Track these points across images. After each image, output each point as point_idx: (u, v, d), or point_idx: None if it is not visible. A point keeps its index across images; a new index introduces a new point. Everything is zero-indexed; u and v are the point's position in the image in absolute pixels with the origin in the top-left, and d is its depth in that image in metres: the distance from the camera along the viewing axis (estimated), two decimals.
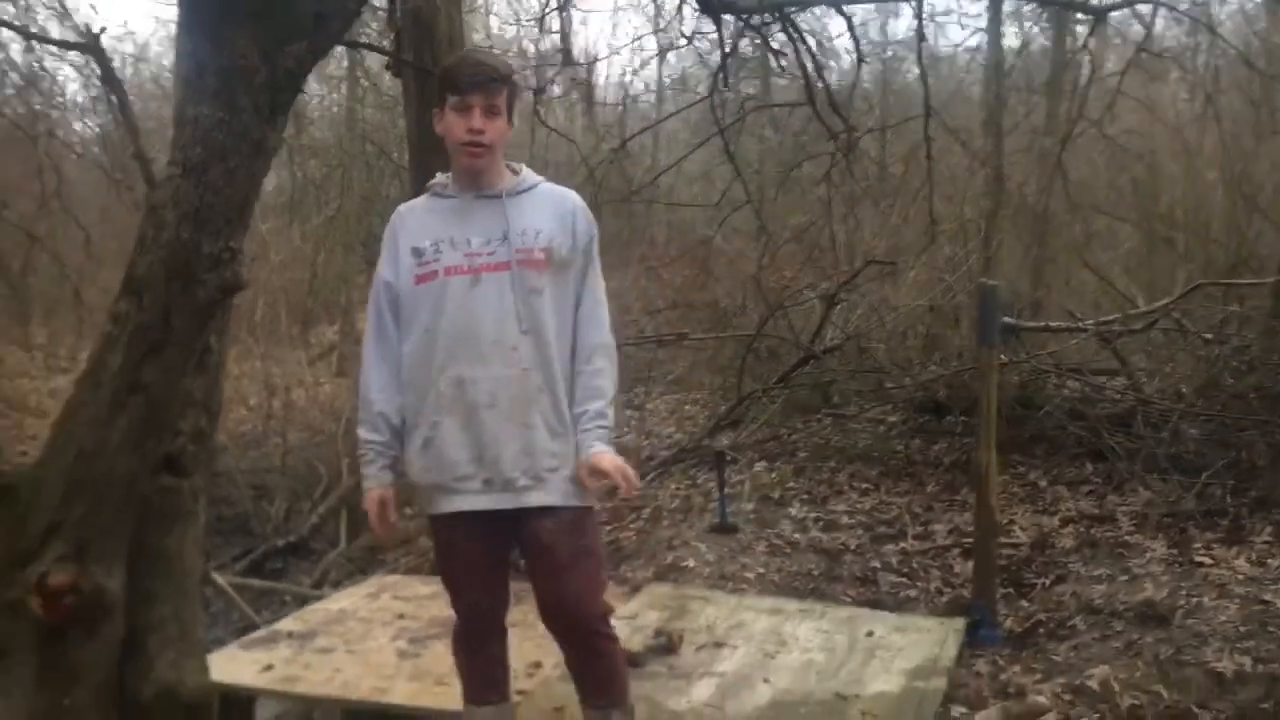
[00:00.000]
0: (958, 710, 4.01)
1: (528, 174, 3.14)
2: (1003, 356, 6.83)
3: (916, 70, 9.08)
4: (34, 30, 10.47)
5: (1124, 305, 8.12)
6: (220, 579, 8.84)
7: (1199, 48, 7.10)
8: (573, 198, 3.15)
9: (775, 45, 6.44)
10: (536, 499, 2.96)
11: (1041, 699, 4.03)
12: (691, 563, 5.66)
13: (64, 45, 9.01)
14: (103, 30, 4.06)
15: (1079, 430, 6.71)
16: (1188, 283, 7.11)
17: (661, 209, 11.54)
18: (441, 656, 4.56)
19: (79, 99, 12.16)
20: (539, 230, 3.00)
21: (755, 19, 5.59)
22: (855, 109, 8.65)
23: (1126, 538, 5.70)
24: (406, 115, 7.40)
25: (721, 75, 5.93)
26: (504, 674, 3.33)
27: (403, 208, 3.19)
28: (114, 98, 6.30)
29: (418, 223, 3.08)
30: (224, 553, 10.31)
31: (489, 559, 3.11)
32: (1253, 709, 3.91)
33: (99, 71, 5.78)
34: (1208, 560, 5.24)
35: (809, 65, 5.99)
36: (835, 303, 7.95)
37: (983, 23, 10.20)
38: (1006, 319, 7.31)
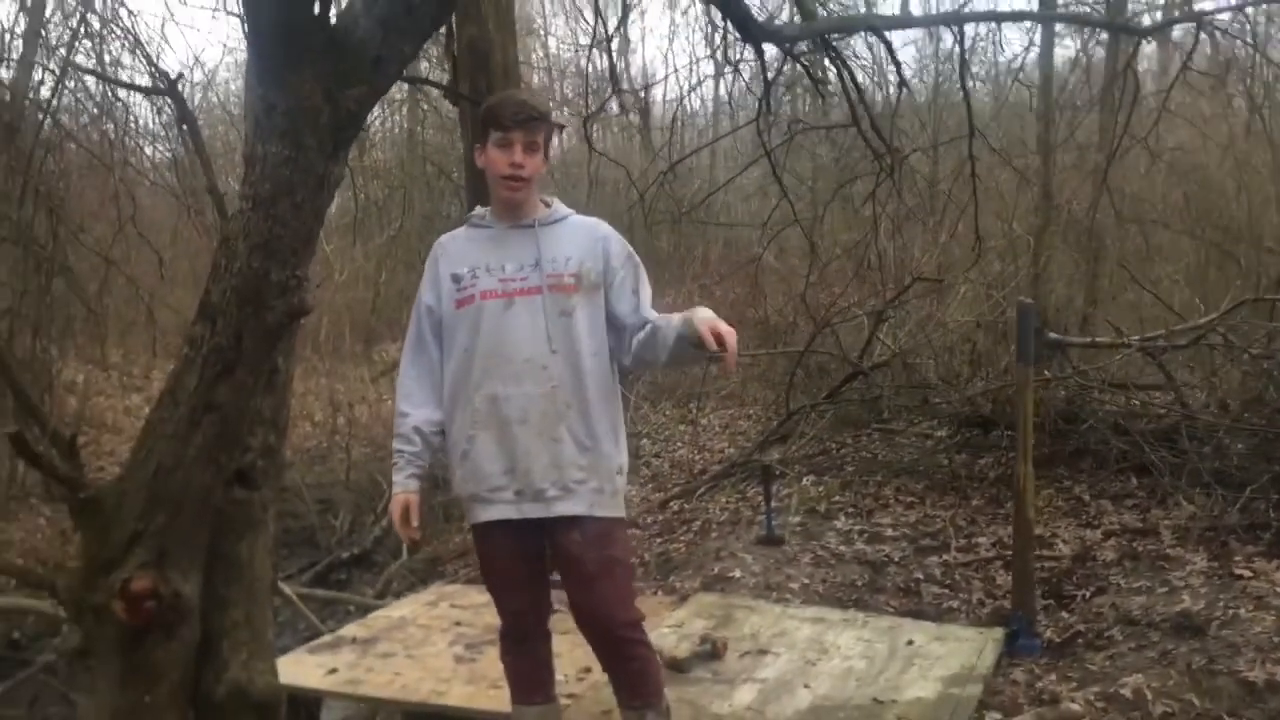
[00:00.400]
0: (992, 717, 4.14)
1: (559, 206, 3.36)
2: (1046, 372, 6.97)
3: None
4: (109, 62, 10.98)
5: (1174, 321, 8.14)
6: (287, 589, 9.16)
7: (1252, 64, 7.12)
8: (603, 227, 3.35)
9: (818, 71, 6.60)
10: (565, 509, 3.15)
11: (1075, 706, 4.14)
12: (738, 573, 5.82)
13: (144, 91, 9.51)
14: (180, 76, 4.35)
15: (1123, 445, 6.77)
16: (1236, 298, 7.12)
17: (716, 227, 11.73)
18: (496, 661, 4.71)
19: (150, 124, 12.59)
20: (569, 257, 3.21)
21: (798, 46, 5.77)
22: (904, 129, 8.80)
23: (1168, 551, 5.77)
24: (464, 141, 7.67)
25: (765, 102, 6.10)
26: (549, 676, 3.52)
27: (444, 238, 3.41)
28: (189, 137, 6.66)
29: (458, 251, 3.30)
30: (291, 564, 10.66)
31: (524, 566, 3.30)
32: None
33: (175, 112, 6.12)
34: (1247, 573, 5.29)
35: (852, 89, 6.14)
36: (883, 319, 8.08)
37: (1037, 36, 10.24)
38: (1052, 334, 7.44)
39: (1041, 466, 7.11)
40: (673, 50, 19.72)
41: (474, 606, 5.57)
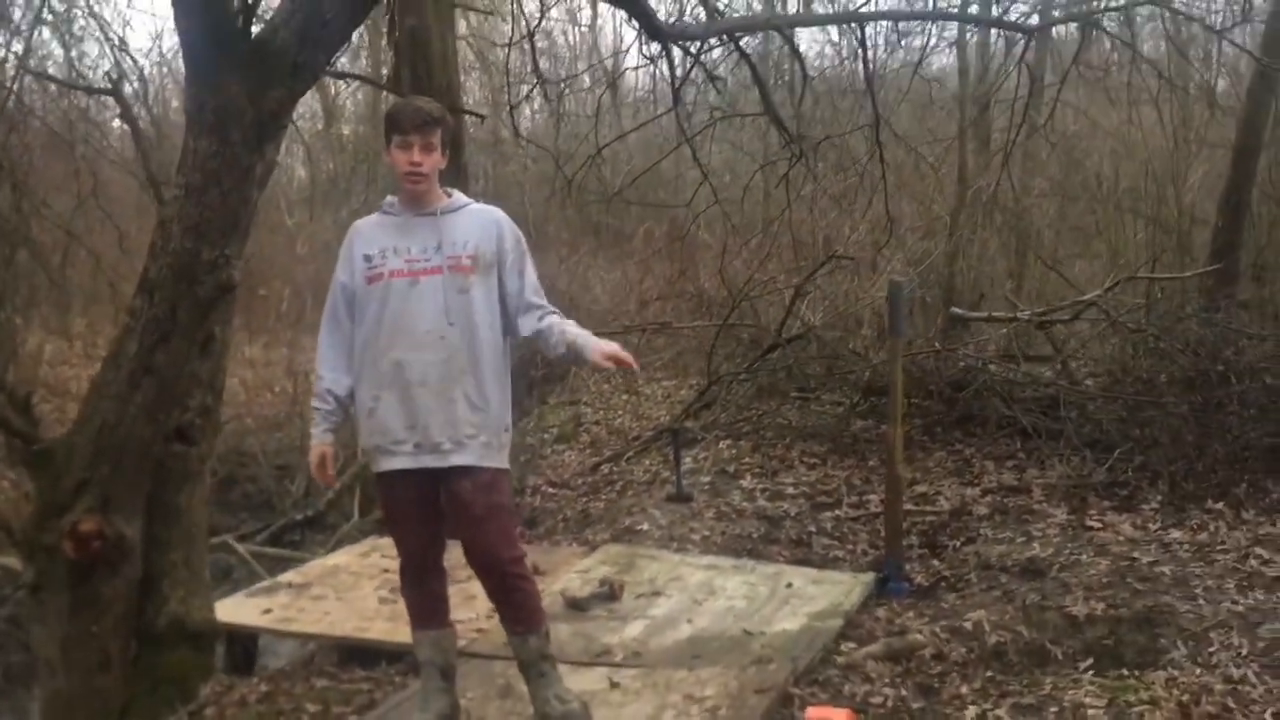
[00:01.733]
0: (848, 646, 4.68)
1: (459, 197, 3.76)
2: (936, 344, 7.55)
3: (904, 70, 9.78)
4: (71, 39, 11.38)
5: (1075, 295, 8.72)
6: (241, 548, 9.65)
7: (1131, 58, 7.67)
8: (497, 214, 3.76)
9: (722, 68, 7.09)
10: (457, 460, 3.56)
11: (920, 637, 4.69)
12: (646, 526, 6.37)
13: (91, 91, 10.16)
14: (120, 77, 4.80)
15: (1009, 412, 7.36)
16: (1118, 275, 7.72)
17: (657, 207, 12.25)
18: None
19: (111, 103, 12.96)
20: (467, 241, 3.61)
21: (701, 45, 6.25)
22: (822, 118, 9.32)
23: (1035, 506, 6.37)
24: None
25: (676, 95, 6.59)
26: (443, 606, 3.98)
27: (359, 222, 3.80)
28: (131, 133, 7.14)
29: (370, 234, 3.69)
30: (248, 525, 11.16)
31: (420, 511, 3.74)
32: (1097, 645, 4.59)
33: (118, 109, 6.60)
34: (1098, 525, 5.90)
35: (763, 80, 6.64)
36: (801, 295, 8.61)
37: (946, 31, 10.70)
38: (955, 310, 8.02)
39: (936, 430, 7.73)
40: (597, 41, 20.01)
41: None
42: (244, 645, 5.29)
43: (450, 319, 3.56)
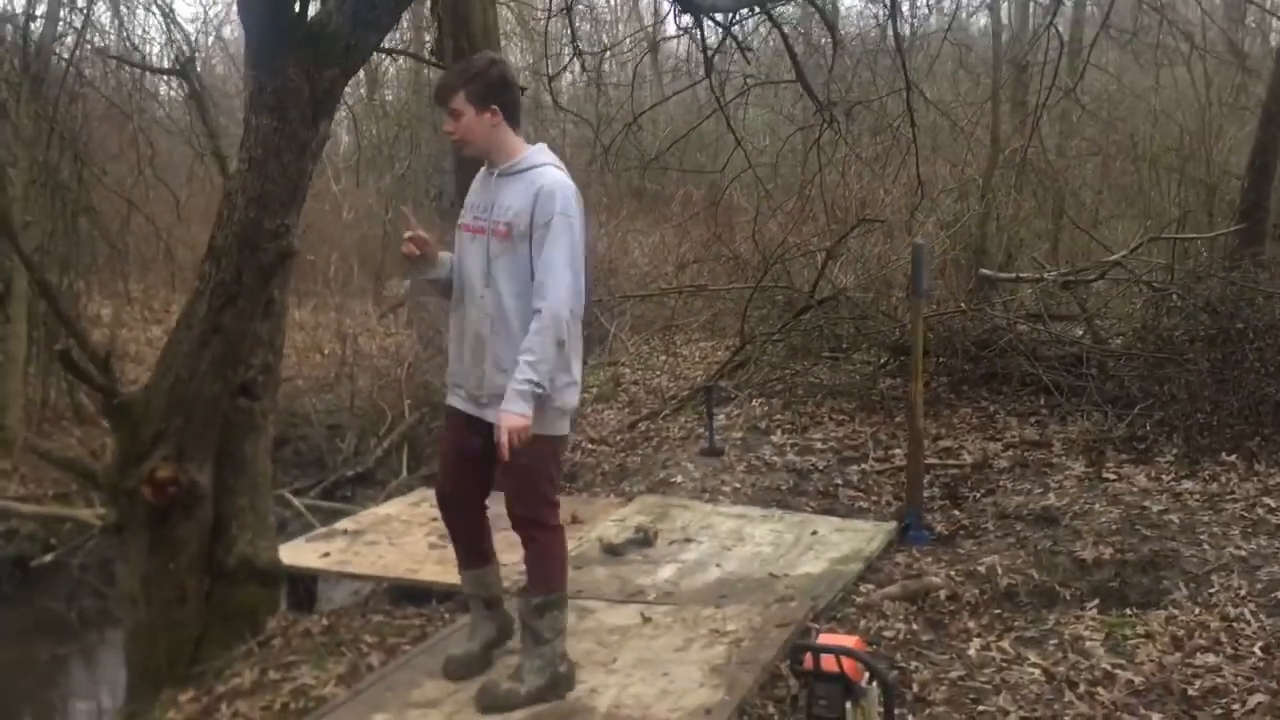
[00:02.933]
0: (866, 588, 4.98)
1: (528, 157, 3.75)
2: (962, 305, 7.77)
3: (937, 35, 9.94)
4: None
5: (1103, 255, 8.89)
6: (296, 501, 10.13)
7: (1160, 21, 7.78)
8: (544, 181, 3.65)
9: (751, 41, 7.29)
10: (490, 415, 3.67)
11: (936, 579, 4.99)
12: (680, 479, 6.69)
13: (161, 72, 10.42)
14: (191, 58, 5.12)
15: (1033, 370, 7.58)
16: (1146, 234, 7.88)
17: (697, 173, 12.47)
18: None
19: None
20: (509, 206, 3.65)
21: (731, 16, 6.47)
22: (853, 81, 9.48)
23: (1054, 460, 6.62)
24: None
25: (709, 64, 6.83)
26: (476, 548, 4.14)
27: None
28: (200, 112, 7.49)
29: (474, 185, 3.89)
30: (301, 481, 11.63)
31: (455, 448, 3.99)
32: (1103, 587, 4.86)
33: (186, 90, 6.93)
34: (1113, 477, 6.15)
35: (794, 49, 6.86)
36: (833, 257, 8.85)
37: None
38: (984, 271, 8.23)
39: (962, 388, 7.98)
40: (637, 6, 20.09)
41: None
42: (305, 585, 5.69)
43: (486, 281, 3.71)
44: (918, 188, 8.59)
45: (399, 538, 5.90)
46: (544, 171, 3.72)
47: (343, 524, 6.24)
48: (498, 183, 3.74)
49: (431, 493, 7.00)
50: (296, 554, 5.63)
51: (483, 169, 3.85)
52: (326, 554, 5.65)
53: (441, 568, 5.39)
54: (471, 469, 3.95)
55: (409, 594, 5.34)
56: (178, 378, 4.53)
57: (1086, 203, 10.78)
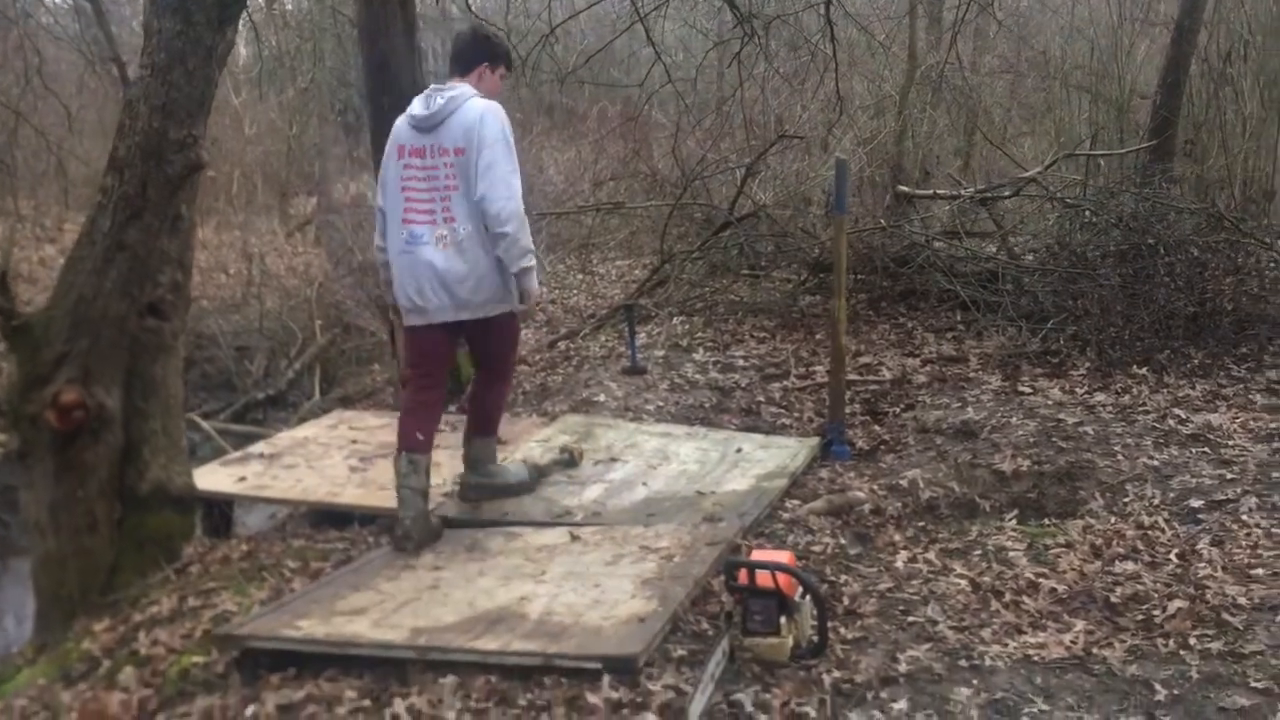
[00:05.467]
0: (792, 503, 5.00)
1: None
2: (881, 221, 7.79)
3: None
4: None
5: (1018, 173, 8.97)
6: (206, 424, 9.87)
7: None
8: None
9: None
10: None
11: (860, 494, 5.03)
12: (603, 398, 6.64)
13: None
14: None
15: (950, 286, 7.66)
16: (1060, 151, 7.95)
17: (612, 88, 12.27)
18: (385, 470, 5.57)
19: None
20: None
21: None
22: None
23: (971, 374, 6.71)
24: (356, 2, 8.03)
25: None
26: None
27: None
28: (96, 13, 7.06)
29: None
30: (210, 405, 11.35)
31: None
32: (1022, 498, 4.96)
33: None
34: (1029, 390, 6.25)
35: None
36: (752, 174, 8.79)
37: None
38: (901, 188, 8.24)
39: (881, 305, 8.04)
40: None
41: (369, 428, 6.35)
42: (220, 510, 5.54)
43: None
44: (837, 104, 8.53)
45: (317, 460, 5.77)
46: None
47: (258, 447, 6.08)
48: None
49: (349, 414, 6.93)
50: (211, 478, 5.47)
51: None
52: (243, 478, 5.50)
53: (363, 491, 5.30)
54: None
55: (330, 518, 5.24)
56: (80, 297, 4.33)
57: (996, 120, 10.86)
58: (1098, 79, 9.79)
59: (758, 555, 3.54)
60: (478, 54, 4.58)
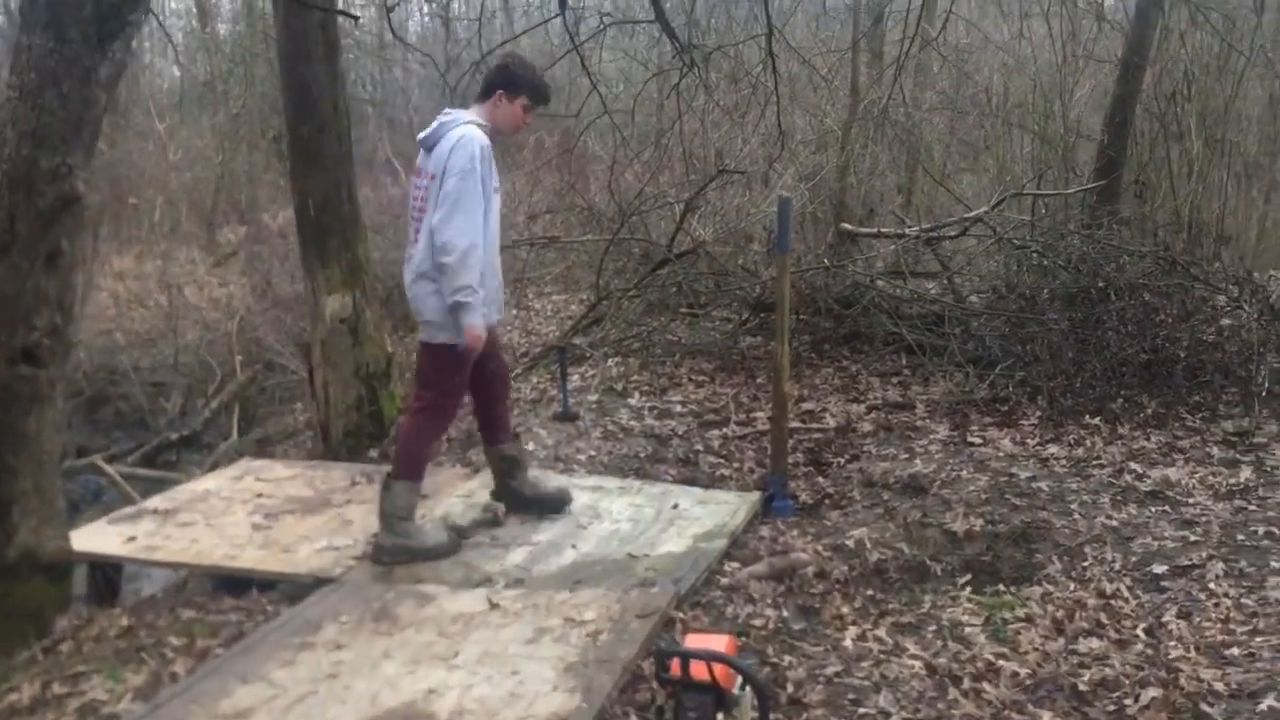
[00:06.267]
0: (731, 566, 4.64)
1: None
2: (825, 261, 7.50)
3: None
4: None
5: (961, 210, 8.75)
6: (110, 469, 9.33)
7: None
8: None
9: None
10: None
11: (804, 555, 4.68)
12: (532, 446, 6.23)
13: None
14: None
15: (895, 328, 7.37)
16: (1006, 190, 7.73)
17: (543, 118, 11.90)
18: (290, 528, 5.14)
19: None
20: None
21: None
22: (711, 28, 9.10)
23: (918, 423, 6.41)
24: (276, 26, 7.63)
25: (560, 1, 6.33)
26: None
27: (484, 137, 4.50)
28: None
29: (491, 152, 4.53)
30: (121, 445, 10.77)
31: None
32: (975, 561, 4.64)
33: None
34: (978, 441, 5.96)
35: None
36: (692, 209, 8.47)
37: None
38: (845, 225, 7.96)
39: (824, 347, 7.74)
40: None
41: (277, 480, 5.90)
42: (106, 574, 5.06)
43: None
44: (779, 138, 8.25)
45: (217, 517, 5.31)
46: None
47: (153, 502, 5.60)
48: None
49: (257, 464, 6.46)
50: (97, 538, 5.00)
51: (490, 142, 4.52)
52: (132, 538, 5.03)
53: (264, 553, 4.85)
54: None
55: (227, 583, 4.78)
56: None
57: (936, 156, 10.67)
58: (1041, 117, 9.64)
59: (693, 641, 3.18)
60: (495, 81, 4.68)
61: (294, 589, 4.54)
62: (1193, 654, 3.53)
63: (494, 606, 4.19)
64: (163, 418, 11.26)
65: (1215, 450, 5.65)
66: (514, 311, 11.40)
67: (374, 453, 7.17)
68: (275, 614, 4.26)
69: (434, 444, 4.86)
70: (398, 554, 4.65)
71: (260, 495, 5.64)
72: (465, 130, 4.47)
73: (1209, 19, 7.94)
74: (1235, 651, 3.54)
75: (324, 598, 4.34)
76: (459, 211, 4.37)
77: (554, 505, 5.21)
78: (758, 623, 3.95)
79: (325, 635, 3.97)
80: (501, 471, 5.22)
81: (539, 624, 4.00)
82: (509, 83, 4.64)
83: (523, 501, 5.22)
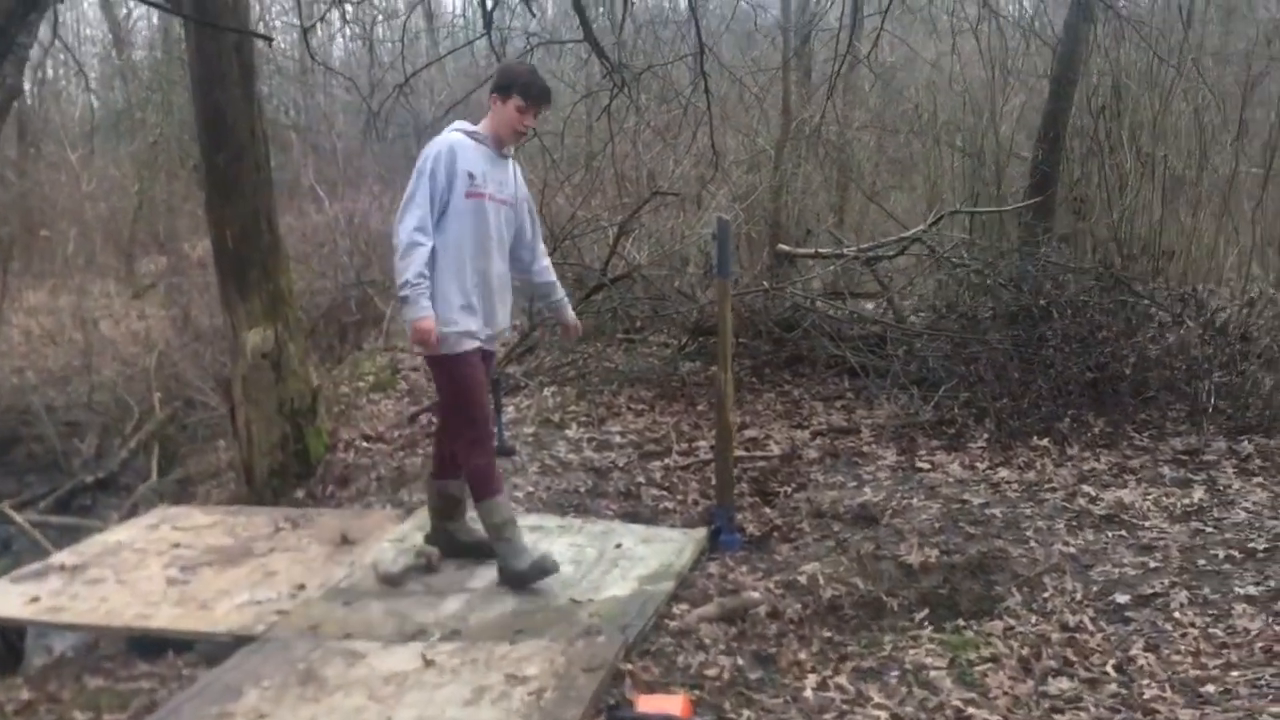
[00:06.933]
0: (680, 608, 4.42)
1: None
2: (765, 284, 7.34)
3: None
4: None
5: (895, 228, 8.65)
6: (19, 517, 8.84)
7: None
8: (516, 165, 4.75)
9: None
10: (491, 346, 4.77)
11: (755, 594, 4.47)
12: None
13: None
14: None
15: (837, 351, 7.22)
16: (940, 210, 7.64)
17: None
18: (209, 582, 4.82)
19: None
20: (518, 185, 4.70)
21: None
22: (640, 48, 8.94)
23: (864, 448, 6.26)
24: (188, 50, 7.32)
25: (488, 20, 6.11)
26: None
27: (457, 139, 4.45)
28: None
29: (471, 157, 4.42)
30: (33, 490, 10.25)
31: (483, 382, 4.68)
32: (933, 595, 4.47)
33: None
34: (927, 466, 5.81)
35: (583, 6, 6.21)
36: (625, 233, 8.27)
37: None
38: (782, 246, 7.81)
39: (765, 372, 7.57)
40: None
41: (195, 528, 5.57)
42: (8, 639, 4.70)
43: (502, 243, 4.61)
44: (713, 158, 8.09)
45: (130, 572, 4.97)
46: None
47: (60, 557, 5.23)
48: (509, 164, 4.63)
49: (174, 511, 6.11)
50: None
51: (475, 143, 4.49)
52: (35, 598, 4.67)
53: (180, 610, 4.52)
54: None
55: (140, 645, 4.45)
56: None
57: (866, 174, 10.61)
58: (972, 134, 9.60)
59: (645, 704, 2.95)
60: (491, 86, 4.67)
61: (213, 649, 4.23)
62: (1168, 693, 3.38)
63: (429, 664, 3.92)
64: (78, 459, 10.74)
65: (1166, 470, 5.56)
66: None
67: (300, 493, 6.85)
68: (192, 679, 3.95)
69: (489, 455, 4.68)
70: (527, 568, 4.60)
71: (177, 546, 5.31)
72: (441, 136, 4.52)
73: (1139, 31, 7.94)
74: (1211, 689, 3.39)
75: (245, 659, 4.04)
76: (406, 209, 4.40)
77: (490, 552, 4.92)
78: (711, 673, 3.73)
79: (246, 703, 3.67)
80: (440, 511, 5.00)
81: (478, 682, 3.74)
82: (499, 84, 4.56)
83: (458, 547, 4.95)
